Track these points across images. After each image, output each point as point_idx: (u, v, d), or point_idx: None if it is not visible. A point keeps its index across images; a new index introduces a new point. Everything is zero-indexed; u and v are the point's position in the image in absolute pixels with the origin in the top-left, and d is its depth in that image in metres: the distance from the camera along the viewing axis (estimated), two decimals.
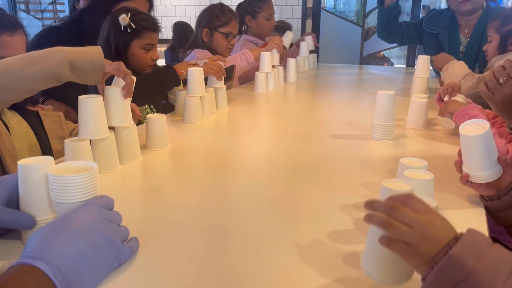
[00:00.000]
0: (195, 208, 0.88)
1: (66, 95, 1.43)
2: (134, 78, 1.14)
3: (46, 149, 1.22)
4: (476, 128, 0.84)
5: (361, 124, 1.53)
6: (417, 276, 0.60)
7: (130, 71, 1.12)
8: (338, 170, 1.12)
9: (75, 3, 2.68)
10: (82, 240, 0.58)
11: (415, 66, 2.06)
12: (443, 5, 5.05)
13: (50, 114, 1.30)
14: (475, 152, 0.83)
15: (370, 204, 0.56)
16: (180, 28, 4.10)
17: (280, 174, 1.09)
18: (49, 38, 1.86)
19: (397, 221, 0.53)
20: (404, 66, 3.80)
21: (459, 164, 0.89)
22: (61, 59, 1.02)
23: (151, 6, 1.96)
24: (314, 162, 1.18)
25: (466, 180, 0.87)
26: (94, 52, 1.07)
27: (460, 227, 0.68)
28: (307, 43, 2.88)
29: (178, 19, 4.66)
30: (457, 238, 0.51)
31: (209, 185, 1.01)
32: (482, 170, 0.83)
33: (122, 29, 1.59)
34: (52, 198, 0.66)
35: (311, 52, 2.97)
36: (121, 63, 1.10)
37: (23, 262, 0.53)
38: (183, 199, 0.93)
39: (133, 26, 1.59)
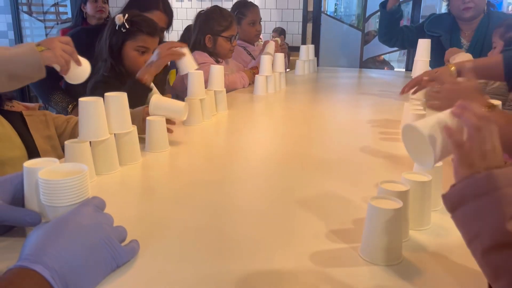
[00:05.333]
0: (195, 210, 0.89)
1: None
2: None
3: (32, 149, 1.22)
4: None
5: (359, 127, 1.54)
6: (409, 257, 0.61)
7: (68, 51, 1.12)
8: (338, 173, 1.13)
9: (81, 5, 2.71)
10: (80, 243, 0.58)
11: (412, 71, 2.09)
12: (443, 10, 5.06)
13: (34, 114, 1.29)
14: None
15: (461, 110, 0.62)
16: (190, 31, 4.06)
17: (280, 177, 1.10)
18: (79, 38, 1.89)
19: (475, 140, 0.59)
20: (404, 70, 3.81)
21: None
22: None
23: (169, 21, 2.04)
24: (314, 165, 1.19)
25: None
26: (28, 53, 1.03)
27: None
28: (307, 47, 2.89)
29: (189, 23, 4.66)
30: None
31: (209, 187, 1.02)
32: None
33: (117, 28, 1.61)
34: (43, 202, 0.66)
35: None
36: (58, 45, 1.09)
37: (21, 265, 0.53)
38: (183, 201, 0.94)
39: (127, 26, 1.60)
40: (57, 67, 1.12)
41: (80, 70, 1.18)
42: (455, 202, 0.57)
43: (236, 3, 2.82)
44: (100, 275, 0.61)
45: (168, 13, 2.03)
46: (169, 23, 2.06)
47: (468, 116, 0.61)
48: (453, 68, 1.46)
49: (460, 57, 1.88)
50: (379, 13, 2.72)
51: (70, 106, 1.91)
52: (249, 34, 2.74)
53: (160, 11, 1.97)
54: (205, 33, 2.26)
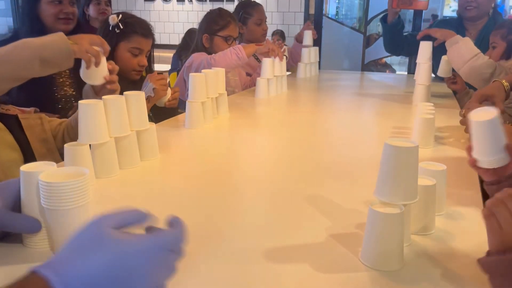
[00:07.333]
0: (196, 213, 0.88)
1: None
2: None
3: (28, 152, 1.20)
4: (485, 115, 0.87)
5: (362, 131, 1.54)
6: (411, 262, 0.60)
7: (99, 50, 1.16)
8: (339, 177, 1.12)
9: (84, 8, 2.72)
10: (114, 271, 0.46)
11: (415, 74, 2.07)
12: (445, 14, 5.08)
13: (30, 117, 1.27)
14: (481, 137, 0.88)
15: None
16: (191, 35, 4.08)
17: (281, 180, 1.09)
18: None
19: (507, 206, 0.60)
20: (406, 73, 3.80)
21: (470, 150, 0.92)
22: (30, 56, 1.03)
23: None
24: (315, 169, 1.18)
25: (473, 164, 0.90)
26: (58, 40, 1.08)
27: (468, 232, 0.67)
28: (309, 50, 2.88)
29: (190, 26, 4.68)
30: None
31: (210, 191, 1.01)
32: (488, 155, 0.87)
33: (110, 28, 1.60)
34: (43, 205, 0.66)
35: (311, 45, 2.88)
36: (90, 44, 1.14)
37: (35, 270, 0.44)
38: (183, 205, 0.93)
39: (121, 27, 1.59)
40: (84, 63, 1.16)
41: (98, 71, 1.19)
42: (485, 271, 0.60)
43: (240, 3, 2.79)
44: None
45: None
46: None
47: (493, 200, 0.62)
48: (506, 84, 1.39)
49: (464, 42, 1.84)
50: (381, 19, 2.75)
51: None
52: (256, 34, 2.68)
53: None
54: (203, 33, 2.26)
